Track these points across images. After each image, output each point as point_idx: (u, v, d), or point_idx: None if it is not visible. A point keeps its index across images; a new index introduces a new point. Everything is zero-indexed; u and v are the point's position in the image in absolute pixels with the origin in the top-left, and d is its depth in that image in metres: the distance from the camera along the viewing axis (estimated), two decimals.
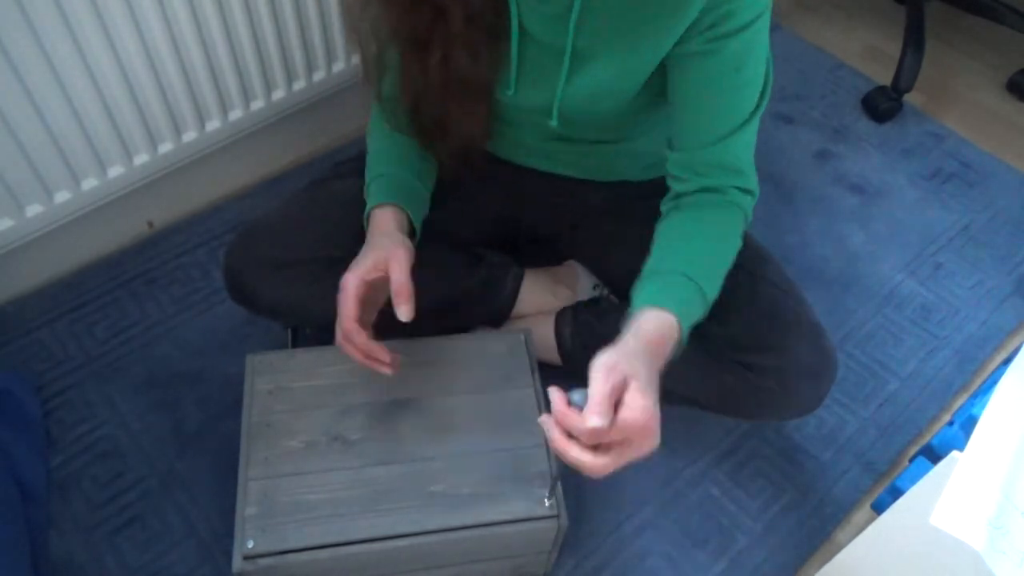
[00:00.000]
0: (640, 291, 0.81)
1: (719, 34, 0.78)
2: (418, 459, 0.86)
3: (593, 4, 0.79)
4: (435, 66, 0.82)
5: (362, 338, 0.83)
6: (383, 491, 0.84)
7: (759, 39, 0.80)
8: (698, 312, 0.81)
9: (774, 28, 1.73)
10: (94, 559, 0.99)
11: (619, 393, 0.67)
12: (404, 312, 0.82)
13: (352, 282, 0.82)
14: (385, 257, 0.83)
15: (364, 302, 0.84)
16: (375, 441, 0.88)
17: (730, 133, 0.84)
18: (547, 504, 0.84)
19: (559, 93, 0.86)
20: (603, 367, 0.68)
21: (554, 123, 0.89)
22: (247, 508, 0.82)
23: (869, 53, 1.70)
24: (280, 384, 0.91)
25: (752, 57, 0.81)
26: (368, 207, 0.92)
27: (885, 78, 1.58)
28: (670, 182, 0.90)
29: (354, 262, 0.85)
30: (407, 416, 0.90)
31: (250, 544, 0.80)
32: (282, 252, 0.97)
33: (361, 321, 0.84)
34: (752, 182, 0.88)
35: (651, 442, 0.68)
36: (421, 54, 0.82)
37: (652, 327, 0.76)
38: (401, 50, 0.84)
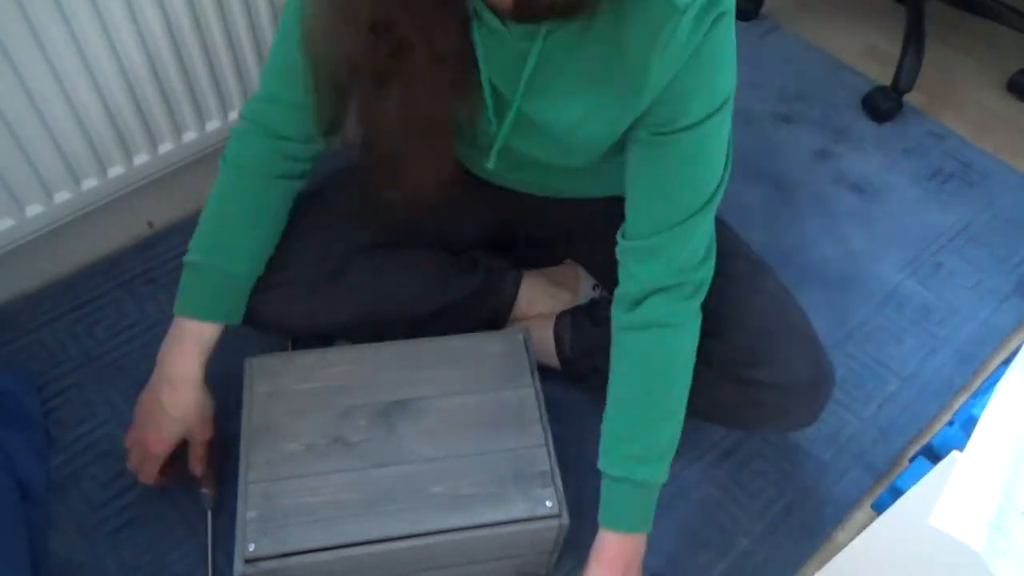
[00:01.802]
0: (601, 506, 0.88)
1: (669, 130, 0.76)
2: (419, 460, 0.86)
3: (547, 70, 0.75)
4: (394, 103, 0.75)
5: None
6: (384, 492, 0.84)
7: (716, 132, 0.77)
8: (654, 497, 0.87)
9: (774, 29, 1.73)
10: (94, 559, 0.99)
11: None
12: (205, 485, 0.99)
13: (157, 454, 0.93)
14: (195, 435, 0.95)
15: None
16: (375, 443, 0.88)
17: (679, 223, 0.80)
18: (548, 504, 0.84)
19: (496, 144, 0.85)
20: None
21: (490, 166, 0.88)
22: (248, 511, 0.82)
23: (869, 53, 1.70)
24: (279, 387, 0.91)
25: (706, 151, 0.78)
26: (181, 306, 0.92)
27: (885, 78, 1.58)
28: (621, 275, 0.86)
29: (157, 419, 0.92)
30: (407, 417, 0.90)
31: (252, 547, 0.80)
32: (277, 271, 0.94)
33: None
34: (705, 271, 0.85)
35: None
36: (380, 90, 0.75)
37: (614, 553, 0.87)
38: (360, 82, 0.78)
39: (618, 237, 0.86)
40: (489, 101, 0.80)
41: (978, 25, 1.73)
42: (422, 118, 0.77)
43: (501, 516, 0.83)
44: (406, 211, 0.88)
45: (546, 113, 0.79)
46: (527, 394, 0.92)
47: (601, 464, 0.87)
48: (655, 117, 0.76)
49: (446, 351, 0.96)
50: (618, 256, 0.86)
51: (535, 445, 0.88)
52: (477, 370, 0.94)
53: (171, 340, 0.91)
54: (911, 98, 1.58)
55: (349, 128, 0.86)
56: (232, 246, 0.91)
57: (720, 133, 0.78)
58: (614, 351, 0.88)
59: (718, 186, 0.81)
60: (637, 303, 0.84)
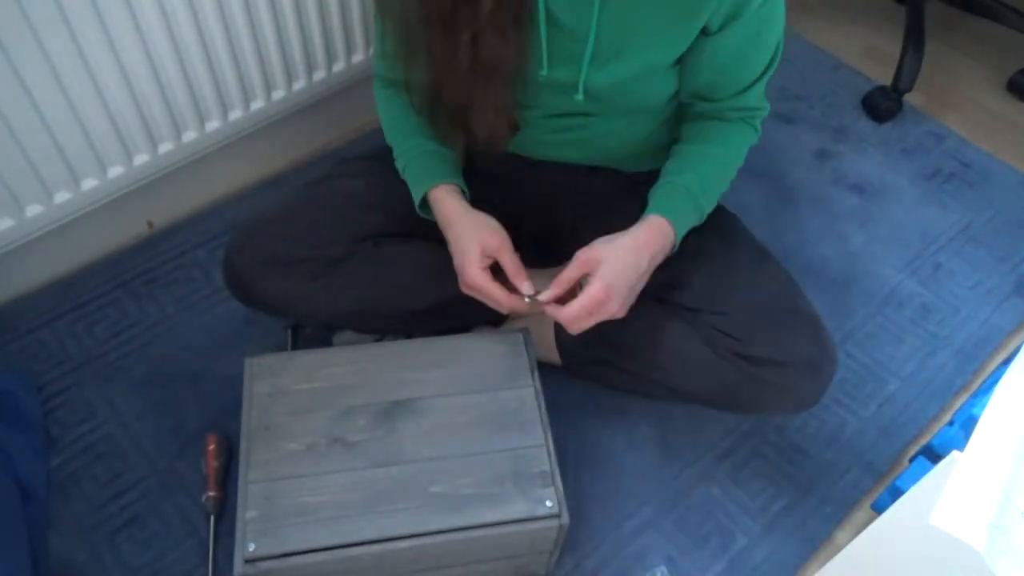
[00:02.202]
0: (650, 199, 0.94)
1: (741, 14, 0.84)
2: (418, 460, 0.86)
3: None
4: (464, 49, 0.83)
5: (523, 303, 0.92)
6: (384, 492, 0.84)
7: (776, 5, 0.87)
8: (693, 220, 0.95)
9: None
10: (94, 559, 0.99)
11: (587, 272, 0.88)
12: (527, 287, 0.91)
13: (479, 276, 0.90)
14: (494, 247, 0.91)
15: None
16: (375, 443, 0.88)
17: (750, 85, 0.93)
18: (548, 504, 0.84)
19: (583, 75, 0.88)
20: (579, 260, 0.88)
21: (579, 97, 0.91)
22: (248, 511, 0.82)
23: (869, 53, 1.70)
24: (279, 387, 0.91)
25: (770, 24, 0.88)
26: (424, 187, 0.94)
27: (885, 78, 1.58)
28: (690, 116, 0.99)
29: (460, 252, 0.91)
30: (407, 417, 0.90)
31: (251, 547, 0.80)
32: (281, 249, 0.97)
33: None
34: (764, 108, 0.98)
35: (609, 312, 0.88)
36: (450, 37, 0.83)
37: (647, 228, 0.91)
38: (429, 33, 0.84)
39: (691, 101, 0.96)
40: (544, 33, 0.86)
41: (978, 25, 1.73)
42: (489, 61, 0.84)
43: (501, 516, 0.83)
44: (483, 159, 0.98)
45: (623, 42, 0.86)
46: (527, 394, 0.92)
47: (669, 171, 0.96)
48: (725, 8, 0.83)
49: (446, 351, 0.96)
50: (692, 110, 0.98)
51: (535, 445, 0.88)
52: (477, 370, 0.94)
53: (439, 216, 0.95)
54: (911, 98, 1.58)
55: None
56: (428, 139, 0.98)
57: (780, 4, 0.88)
58: (687, 129, 0.99)
59: (776, 47, 0.92)
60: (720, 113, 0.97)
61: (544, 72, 0.89)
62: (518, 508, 0.84)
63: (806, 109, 1.58)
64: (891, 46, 1.64)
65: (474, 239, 0.91)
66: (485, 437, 0.89)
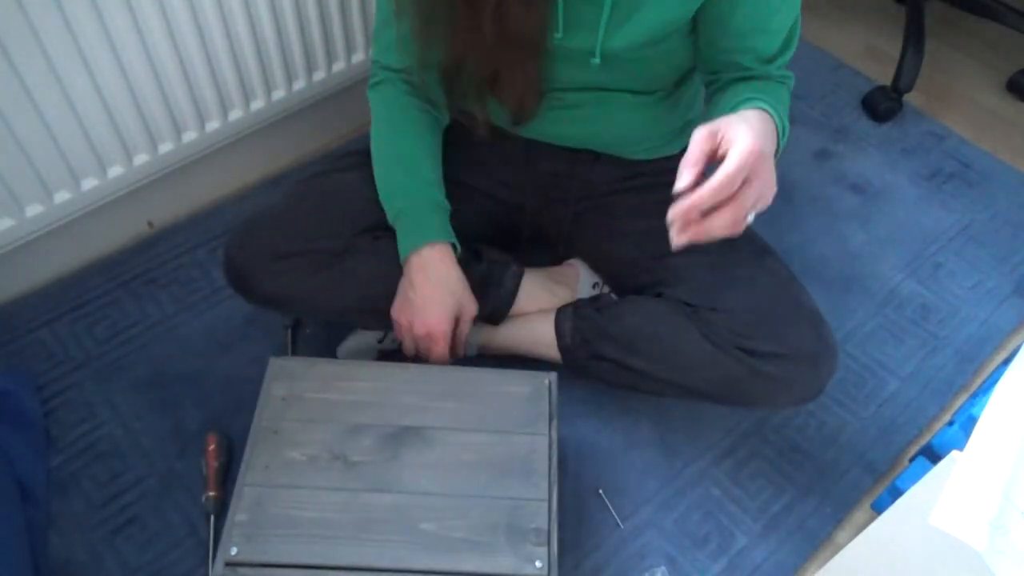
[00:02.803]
0: (735, 106, 0.83)
1: None
2: (415, 492, 0.84)
3: None
4: (489, 19, 0.82)
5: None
6: (373, 520, 0.81)
7: None
8: (780, 128, 0.84)
9: None
10: (94, 559, 0.99)
11: (717, 145, 0.72)
12: (449, 358, 0.99)
13: (444, 332, 0.96)
14: (465, 313, 0.99)
15: None
16: (376, 466, 0.85)
17: (772, 58, 0.91)
18: (538, 564, 0.80)
19: (600, 37, 0.88)
20: (703, 131, 0.71)
21: (596, 61, 0.90)
22: (238, 514, 0.81)
23: (869, 53, 1.70)
24: (295, 392, 0.90)
25: None
26: (421, 241, 0.96)
27: (885, 78, 1.58)
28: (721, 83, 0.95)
29: (434, 305, 0.96)
30: (413, 445, 0.87)
31: (233, 551, 0.78)
32: (281, 244, 0.97)
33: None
34: (791, 76, 0.96)
35: (768, 182, 0.72)
36: (474, 8, 0.82)
37: (752, 112, 0.78)
38: (453, 5, 0.84)
39: (716, 73, 0.94)
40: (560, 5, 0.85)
41: (978, 25, 1.73)
42: (515, 30, 0.84)
43: (485, 567, 0.79)
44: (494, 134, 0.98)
45: (639, 3, 0.85)
46: (540, 443, 0.88)
47: (729, 99, 0.89)
48: None
49: (468, 382, 0.93)
50: (712, 81, 0.95)
51: (537, 499, 0.84)
52: (495, 408, 0.90)
53: (419, 269, 0.96)
54: (911, 98, 1.58)
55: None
56: (423, 180, 0.99)
57: None
58: (717, 97, 0.93)
59: (796, 18, 0.90)
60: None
61: (559, 35, 0.88)
62: (505, 562, 0.80)
63: (806, 109, 1.58)
64: (891, 46, 1.64)
65: (452, 296, 0.97)
66: (486, 481, 0.85)
